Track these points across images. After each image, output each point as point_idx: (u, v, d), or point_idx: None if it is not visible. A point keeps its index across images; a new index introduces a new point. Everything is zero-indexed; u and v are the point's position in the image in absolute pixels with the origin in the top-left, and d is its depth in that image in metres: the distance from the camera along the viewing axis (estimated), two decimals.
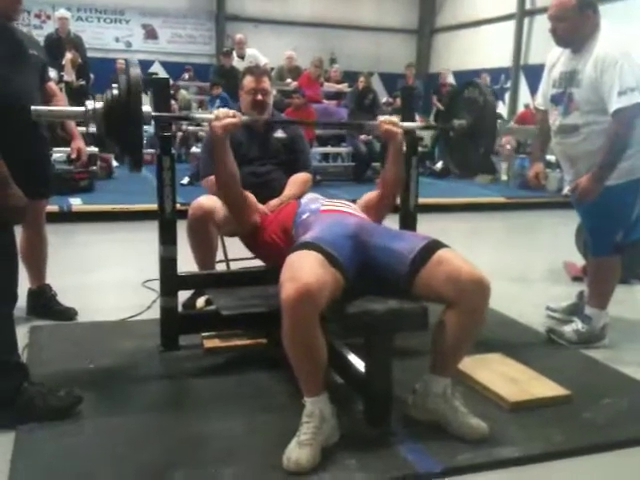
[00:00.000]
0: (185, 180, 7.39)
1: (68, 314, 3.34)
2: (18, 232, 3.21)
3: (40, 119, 2.56)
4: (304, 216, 2.51)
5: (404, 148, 2.89)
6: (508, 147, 9.28)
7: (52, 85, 3.27)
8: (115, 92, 2.37)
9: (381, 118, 2.78)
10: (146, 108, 2.45)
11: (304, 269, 1.99)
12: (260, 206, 3.02)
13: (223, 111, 2.60)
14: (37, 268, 3.33)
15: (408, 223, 3.22)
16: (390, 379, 2.21)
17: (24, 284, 3.25)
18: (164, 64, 13.66)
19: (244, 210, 2.74)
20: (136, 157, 2.43)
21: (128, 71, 2.35)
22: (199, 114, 2.74)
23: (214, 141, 2.61)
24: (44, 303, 3.35)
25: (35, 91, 2.99)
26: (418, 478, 1.98)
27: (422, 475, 1.99)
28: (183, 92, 10.59)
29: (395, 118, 2.80)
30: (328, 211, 2.50)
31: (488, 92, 2.85)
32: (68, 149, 3.40)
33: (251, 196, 2.80)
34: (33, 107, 2.51)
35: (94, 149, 6.98)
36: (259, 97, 3.24)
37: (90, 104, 2.39)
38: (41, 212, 3.26)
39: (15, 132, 2.65)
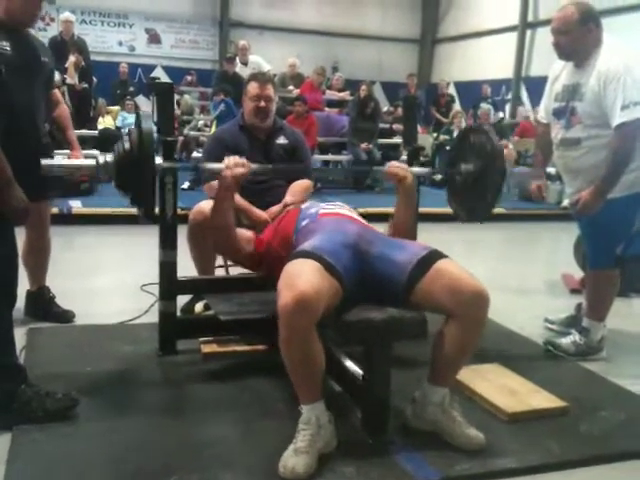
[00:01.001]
0: (185, 185, 7.39)
1: (66, 317, 3.34)
2: (21, 234, 3.24)
3: (50, 174, 2.60)
4: (304, 223, 2.49)
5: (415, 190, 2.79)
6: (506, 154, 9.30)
7: (57, 92, 3.30)
8: (127, 145, 2.36)
9: (390, 163, 2.68)
10: (157, 160, 2.45)
11: (301, 277, 1.99)
12: (261, 213, 3.03)
13: (233, 160, 2.51)
14: (37, 270, 3.33)
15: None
16: (388, 387, 2.21)
17: (23, 286, 3.29)
18: (166, 69, 13.69)
19: (235, 249, 2.64)
20: (148, 209, 2.43)
21: (140, 124, 2.34)
22: (210, 164, 2.74)
23: (221, 191, 2.53)
24: (42, 305, 3.34)
25: (42, 100, 3.04)
26: None
27: None
28: (186, 97, 10.62)
29: (404, 165, 2.72)
30: (327, 214, 2.47)
31: (494, 136, 2.80)
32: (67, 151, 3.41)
33: (241, 231, 2.69)
34: (44, 162, 2.54)
35: (96, 152, 6.99)
36: (262, 104, 3.25)
37: (101, 157, 2.39)
38: (45, 215, 3.27)
39: (19, 139, 2.64)
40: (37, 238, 3.26)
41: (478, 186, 2.78)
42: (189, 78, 11.70)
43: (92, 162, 2.43)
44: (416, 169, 2.94)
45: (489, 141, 2.73)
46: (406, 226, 2.61)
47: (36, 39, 3.17)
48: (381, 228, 2.57)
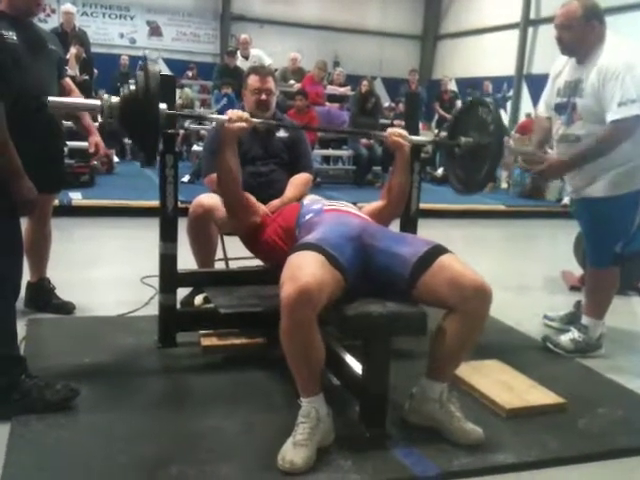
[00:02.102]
0: (186, 178, 7.39)
1: (66, 308, 3.34)
2: (23, 225, 3.24)
3: (55, 110, 2.57)
4: (307, 217, 2.51)
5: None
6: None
7: (69, 81, 3.29)
8: (132, 87, 2.37)
9: (390, 130, 2.78)
10: (162, 105, 2.46)
11: (304, 269, 1.99)
12: (261, 206, 3.03)
13: (236, 113, 2.60)
14: (38, 261, 3.33)
15: (409, 228, 3.22)
16: (387, 382, 2.21)
17: (24, 277, 3.29)
18: (167, 61, 13.67)
19: (243, 212, 2.73)
20: (150, 153, 2.44)
21: (147, 67, 2.36)
22: (213, 115, 2.75)
23: (223, 142, 2.61)
24: (42, 296, 3.34)
25: (53, 85, 3.03)
26: None
27: (417, 478, 1.99)
28: (187, 90, 10.61)
29: (404, 131, 2.80)
30: (331, 210, 2.51)
31: (497, 112, 2.82)
32: (71, 143, 3.40)
33: (251, 197, 2.79)
34: (49, 98, 2.51)
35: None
36: (263, 97, 3.25)
37: (106, 97, 2.40)
38: (48, 206, 3.27)
39: (31, 124, 2.67)
40: (39, 229, 3.26)
41: (476, 158, 2.83)
42: (190, 73, 11.69)
43: (97, 102, 2.43)
44: (415, 137, 2.96)
45: (490, 114, 2.77)
46: (400, 189, 2.77)
47: (42, 29, 3.17)
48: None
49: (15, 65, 2.61)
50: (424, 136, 3.15)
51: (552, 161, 3.03)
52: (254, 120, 2.67)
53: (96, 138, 3.30)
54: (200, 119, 2.81)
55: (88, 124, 3.27)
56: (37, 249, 3.29)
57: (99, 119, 2.41)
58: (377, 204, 2.78)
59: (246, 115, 2.61)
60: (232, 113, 2.60)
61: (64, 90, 3.18)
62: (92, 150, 3.30)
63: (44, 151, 2.88)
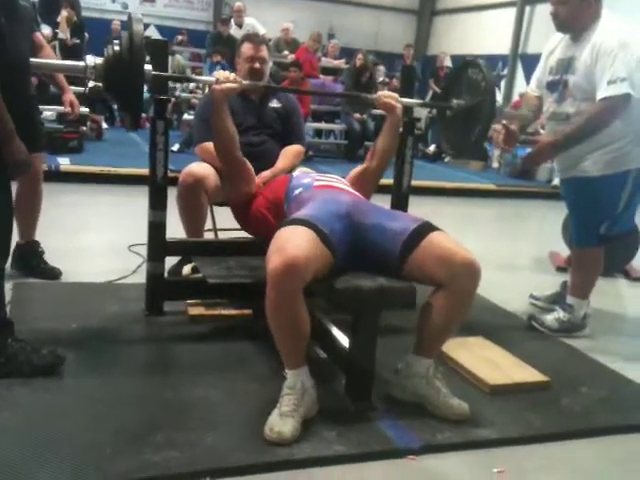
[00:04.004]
0: (175, 147, 7.32)
1: (53, 274, 3.31)
2: (13, 186, 3.20)
3: (37, 71, 2.52)
4: (297, 191, 2.48)
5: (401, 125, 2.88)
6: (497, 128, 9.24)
7: (39, 36, 3.17)
8: (117, 48, 2.32)
9: (381, 92, 2.77)
10: (147, 67, 2.41)
11: (292, 243, 1.98)
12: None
13: (224, 74, 2.58)
14: (28, 223, 3.30)
15: (400, 204, 3.22)
16: (374, 355, 2.21)
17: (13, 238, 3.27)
18: (160, 28, 13.45)
19: (239, 178, 2.71)
20: (135, 116, 2.40)
21: (131, 27, 2.29)
22: (200, 76, 2.70)
23: (214, 104, 2.58)
24: (30, 260, 3.32)
25: (24, 44, 2.89)
26: (397, 453, 2.00)
27: (401, 450, 2.01)
28: (178, 57, 10.45)
29: (395, 94, 2.79)
30: (322, 187, 2.48)
31: (490, 74, 2.82)
32: (58, 107, 3.35)
33: (249, 165, 2.76)
34: (32, 59, 2.46)
35: (85, 109, 6.90)
36: (257, 65, 3.20)
37: (90, 59, 2.35)
38: (37, 168, 3.22)
39: (11, 91, 2.60)
40: (29, 191, 3.23)
41: (468, 120, 2.83)
42: (180, 37, 11.49)
43: (81, 64, 2.38)
44: (406, 100, 2.95)
45: (482, 76, 2.77)
46: (385, 151, 2.76)
47: None
48: (376, 201, 2.57)
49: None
50: (413, 99, 3.11)
51: (541, 144, 3.00)
52: (243, 82, 2.63)
53: (70, 96, 3.24)
54: (187, 81, 2.73)
55: (61, 82, 3.22)
56: (26, 211, 3.25)
57: (89, 85, 2.36)
58: (359, 168, 2.78)
59: (233, 76, 2.58)
60: (219, 74, 2.58)
61: (34, 45, 3.06)
62: (67, 109, 3.24)
63: (25, 110, 2.82)
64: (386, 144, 2.75)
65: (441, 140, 3.05)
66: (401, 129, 2.94)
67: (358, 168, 2.78)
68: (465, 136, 2.88)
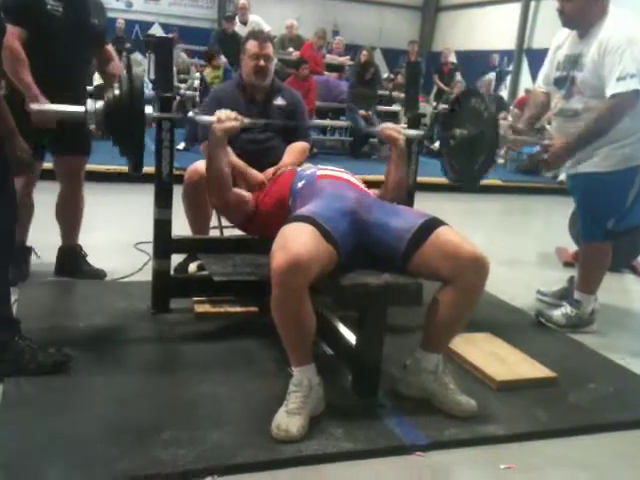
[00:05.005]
0: (181, 145, 7.32)
1: (96, 274, 3.33)
2: (56, 189, 3.29)
3: (37, 117, 2.58)
4: (300, 184, 2.46)
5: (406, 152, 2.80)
6: (504, 124, 9.19)
7: (109, 49, 3.27)
8: (117, 92, 2.30)
9: (384, 124, 2.72)
10: (148, 110, 2.39)
11: (296, 240, 1.98)
12: (257, 173, 3.00)
13: (225, 113, 2.50)
14: (69, 227, 3.33)
15: (405, 200, 3.20)
16: (380, 352, 2.22)
17: (57, 242, 3.33)
18: (164, 26, 13.46)
19: (232, 208, 2.64)
20: (137, 159, 2.38)
21: (130, 70, 2.28)
22: (202, 116, 2.68)
23: (213, 144, 2.52)
24: (72, 262, 3.33)
25: (87, 61, 3.17)
26: (404, 450, 2.00)
27: (408, 447, 2.01)
28: (183, 55, 10.46)
29: (397, 125, 2.74)
30: (324, 177, 2.45)
31: (491, 103, 2.79)
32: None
33: (240, 192, 2.67)
34: (32, 105, 2.53)
35: None
36: (262, 63, 3.19)
37: (90, 104, 2.32)
38: (77, 170, 3.28)
39: (59, 96, 2.73)
40: (70, 194, 3.27)
41: (471, 151, 2.79)
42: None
43: (81, 109, 2.37)
44: (409, 131, 2.92)
45: (484, 106, 2.73)
46: (397, 184, 2.68)
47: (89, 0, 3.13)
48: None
49: (55, 39, 2.86)
50: (416, 130, 3.09)
51: (556, 148, 2.95)
52: (244, 120, 2.56)
53: None
54: (189, 120, 2.66)
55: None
56: (67, 214, 3.30)
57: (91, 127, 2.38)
58: (375, 193, 2.67)
59: (235, 114, 2.52)
60: (221, 113, 2.50)
61: (104, 59, 3.21)
62: None
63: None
64: (397, 178, 2.67)
65: (445, 167, 3.01)
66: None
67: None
68: (468, 165, 2.84)
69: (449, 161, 2.95)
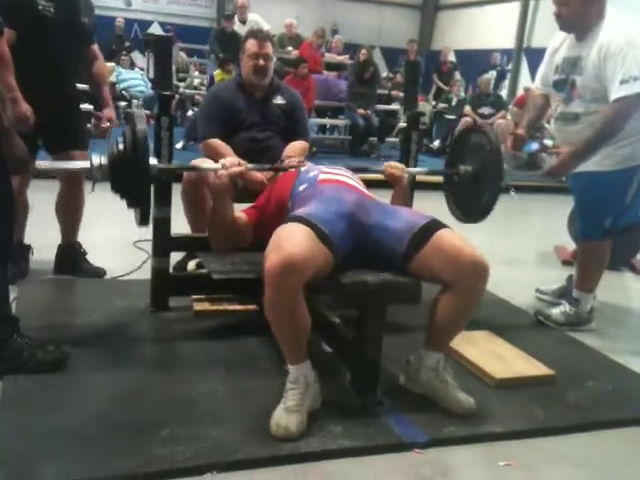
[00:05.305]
0: (180, 144, 7.33)
1: (95, 272, 3.33)
2: (53, 187, 3.29)
3: (45, 172, 2.60)
4: (301, 187, 2.42)
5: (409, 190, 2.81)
6: (502, 124, 9.18)
7: (96, 48, 3.28)
8: (121, 147, 2.30)
9: (387, 163, 2.69)
10: (152, 161, 2.38)
11: (291, 241, 1.97)
12: (256, 173, 3.00)
13: (230, 161, 2.45)
14: (69, 224, 3.33)
15: None
16: (379, 350, 2.22)
17: (55, 240, 3.33)
18: (163, 25, 13.46)
19: (239, 240, 2.55)
20: (144, 211, 2.38)
21: (134, 124, 2.28)
22: (206, 165, 2.67)
23: (217, 191, 2.43)
24: (71, 260, 3.33)
25: (78, 60, 3.16)
26: (403, 447, 2.00)
27: (407, 444, 2.01)
28: (182, 54, 10.47)
29: (400, 164, 2.72)
30: (326, 181, 2.42)
31: (495, 139, 2.76)
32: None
33: (238, 222, 2.52)
34: (37, 162, 2.52)
35: (89, 107, 6.90)
36: (261, 62, 3.19)
37: (96, 159, 2.32)
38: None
39: (51, 94, 2.85)
40: (70, 191, 3.27)
41: (476, 186, 2.78)
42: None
43: (86, 164, 2.39)
44: (412, 169, 2.92)
45: (488, 143, 2.72)
46: None
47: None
48: (377, 195, 2.56)
49: (47, 40, 2.87)
50: (419, 168, 3.11)
51: (564, 155, 2.94)
52: (248, 166, 2.51)
53: (110, 112, 3.31)
54: (192, 170, 2.64)
55: (104, 96, 3.30)
56: (67, 211, 3.30)
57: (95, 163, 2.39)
58: None
59: (238, 160, 2.47)
60: (226, 161, 2.45)
61: (90, 58, 3.22)
62: (105, 124, 3.29)
63: (60, 111, 2.94)
64: None
65: (449, 205, 3.00)
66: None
67: None
68: (474, 201, 2.83)
69: (454, 198, 2.96)
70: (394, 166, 2.66)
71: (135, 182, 2.29)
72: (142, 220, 2.40)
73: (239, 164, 2.45)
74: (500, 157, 2.73)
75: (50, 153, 3.21)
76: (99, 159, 2.33)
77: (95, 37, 3.30)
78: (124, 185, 2.34)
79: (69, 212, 3.31)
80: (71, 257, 3.34)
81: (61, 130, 3.07)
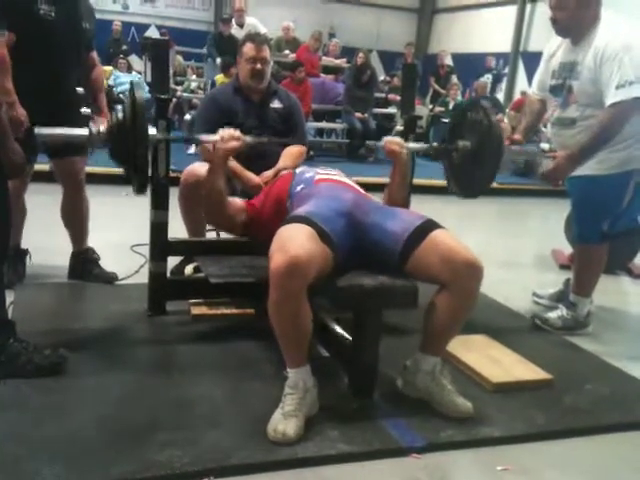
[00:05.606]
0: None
1: (106, 277, 3.32)
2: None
3: (42, 139, 2.60)
4: (299, 188, 2.47)
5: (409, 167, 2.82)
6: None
7: (94, 56, 3.29)
8: (120, 115, 2.31)
9: (386, 138, 2.69)
10: (151, 131, 2.40)
11: (294, 241, 1.98)
12: (254, 177, 3.00)
13: (228, 132, 2.49)
14: (77, 231, 3.33)
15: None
16: (377, 353, 2.22)
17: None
18: (160, 29, 13.45)
19: (227, 219, 2.61)
20: (141, 180, 2.39)
21: (133, 93, 2.29)
22: (204, 136, 2.67)
23: (214, 163, 2.51)
24: (83, 266, 3.32)
25: (76, 64, 3.13)
26: (400, 452, 2.00)
27: (404, 449, 2.01)
28: (179, 58, 10.47)
29: (400, 139, 2.71)
30: (323, 180, 2.46)
31: (493, 115, 2.77)
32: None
33: (234, 202, 2.64)
34: (36, 129, 2.51)
35: (86, 110, 6.89)
36: (259, 66, 3.19)
37: (94, 127, 2.34)
38: (77, 171, 3.26)
39: (49, 98, 2.83)
40: (73, 197, 3.26)
41: (474, 163, 2.78)
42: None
43: (85, 132, 2.39)
44: (412, 144, 2.91)
45: (487, 118, 2.72)
46: (399, 199, 2.63)
47: (84, 3, 3.15)
48: (375, 198, 2.56)
49: (47, 43, 2.87)
50: (418, 144, 3.07)
51: (559, 159, 2.93)
52: (246, 138, 2.55)
53: (105, 122, 3.29)
54: (192, 141, 2.67)
55: (101, 104, 3.29)
56: (73, 217, 3.29)
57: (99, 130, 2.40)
58: None
59: (237, 133, 2.51)
60: (224, 132, 2.48)
61: (89, 65, 3.22)
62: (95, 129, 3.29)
63: (58, 116, 2.88)
64: (399, 190, 2.62)
65: (448, 181, 3.00)
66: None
67: None
68: (473, 177, 2.84)
69: (454, 175, 2.96)
70: (393, 141, 2.65)
71: (133, 150, 2.30)
72: (139, 188, 2.40)
73: (237, 138, 2.48)
74: (499, 132, 2.73)
75: (50, 158, 3.21)
76: (98, 126, 2.35)
77: (94, 43, 3.30)
78: (123, 153, 2.35)
79: (75, 217, 3.31)
80: (83, 263, 3.34)
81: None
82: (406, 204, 2.78)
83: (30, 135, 2.75)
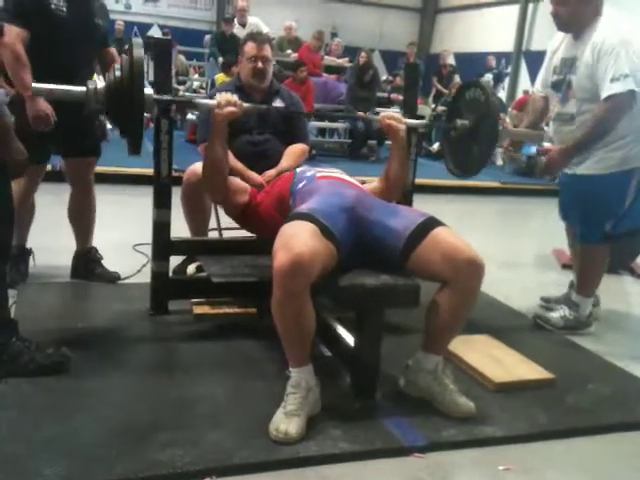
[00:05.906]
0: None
1: (108, 277, 3.32)
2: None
3: (40, 95, 2.61)
4: (300, 185, 2.48)
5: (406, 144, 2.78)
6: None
7: (113, 51, 3.29)
8: (117, 74, 2.31)
9: (383, 113, 2.67)
10: (148, 91, 2.40)
11: (297, 239, 1.98)
12: (255, 175, 3.00)
13: (225, 97, 2.49)
14: (83, 229, 3.33)
15: (404, 202, 3.20)
16: (379, 353, 2.22)
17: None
18: (163, 28, 13.45)
19: (227, 196, 2.65)
20: (136, 140, 2.39)
21: (131, 52, 2.29)
22: (202, 100, 2.67)
23: (213, 129, 2.54)
24: (86, 265, 3.33)
25: (90, 61, 3.17)
26: (402, 451, 2.00)
27: (406, 448, 2.01)
28: (181, 57, 10.48)
29: (398, 114, 2.67)
30: (325, 177, 2.47)
31: (492, 93, 2.79)
32: None
33: (236, 180, 2.71)
34: (34, 85, 2.50)
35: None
36: (260, 65, 3.19)
37: (92, 84, 2.34)
38: (88, 171, 3.27)
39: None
40: (82, 196, 3.27)
41: (472, 139, 2.80)
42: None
43: (82, 89, 2.38)
44: (410, 120, 2.90)
45: (484, 95, 2.74)
46: (398, 179, 2.65)
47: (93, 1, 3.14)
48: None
49: (60, 39, 2.88)
50: (417, 120, 3.08)
51: (553, 153, 2.95)
52: (244, 104, 2.56)
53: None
54: (189, 105, 2.66)
55: None
56: (80, 217, 3.30)
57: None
58: (374, 185, 2.69)
59: (235, 99, 2.51)
60: (221, 97, 2.49)
61: (107, 60, 3.21)
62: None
63: (74, 116, 2.90)
64: (395, 169, 2.62)
65: (446, 159, 3.02)
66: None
67: (371, 186, 2.68)
68: (470, 156, 2.86)
69: (451, 153, 2.97)
70: (391, 116, 2.60)
71: (129, 111, 2.30)
72: (133, 149, 2.40)
73: (235, 103, 2.49)
74: (496, 108, 2.75)
75: (63, 157, 3.22)
76: (95, 84, 2.35)
77: (110, 39, 3.31)
78: (119, 112, 2.35)
79: (82, 216, 3.31)
80: (86, 262, 3.34)
81: (77, 134, 3.06)
82: (403, 182, 2.75)
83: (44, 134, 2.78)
